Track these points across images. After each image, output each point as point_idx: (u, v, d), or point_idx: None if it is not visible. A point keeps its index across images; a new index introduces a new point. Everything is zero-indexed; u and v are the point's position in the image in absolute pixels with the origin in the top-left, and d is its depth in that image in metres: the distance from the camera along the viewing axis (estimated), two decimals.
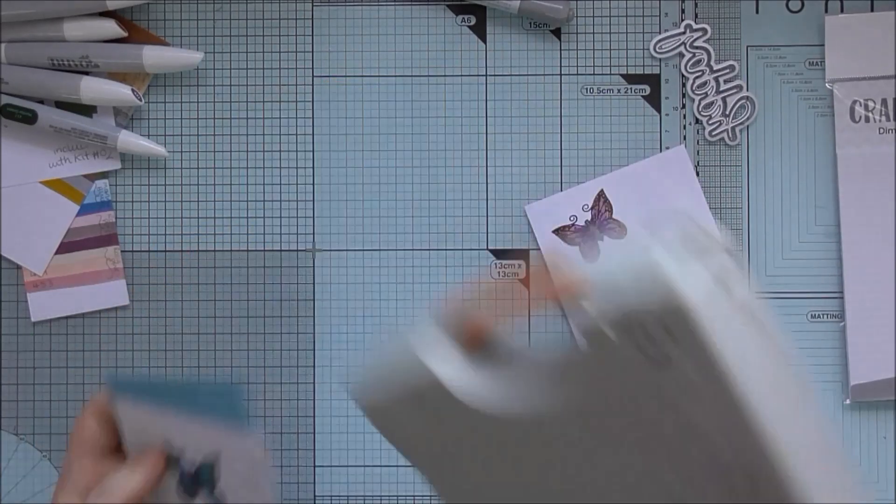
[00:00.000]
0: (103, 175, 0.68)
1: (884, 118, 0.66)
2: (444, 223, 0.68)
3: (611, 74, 0.68)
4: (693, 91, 0.67)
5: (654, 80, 0.68)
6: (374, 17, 0.68)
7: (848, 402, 0.67)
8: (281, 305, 0.68)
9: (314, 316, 0.68)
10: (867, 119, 0.66)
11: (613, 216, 0.67)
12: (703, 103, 0.67)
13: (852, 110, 0.66)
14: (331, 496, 0.68)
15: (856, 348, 0.66)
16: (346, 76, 0.68)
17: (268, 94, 0.68)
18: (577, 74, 0.68)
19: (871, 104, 0.66)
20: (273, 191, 0.68)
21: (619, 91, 0.68)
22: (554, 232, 0.68)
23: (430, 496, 0.68)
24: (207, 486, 0.54)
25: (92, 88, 0.65)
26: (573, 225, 0.68)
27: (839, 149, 0.67)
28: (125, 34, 0.66)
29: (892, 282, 0.66)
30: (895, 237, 0.66)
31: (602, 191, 0.68)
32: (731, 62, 0.67)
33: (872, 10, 0.67)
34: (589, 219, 0.68)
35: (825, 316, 0.67)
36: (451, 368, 0.44)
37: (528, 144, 0.68)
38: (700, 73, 0.67)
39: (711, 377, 0.38)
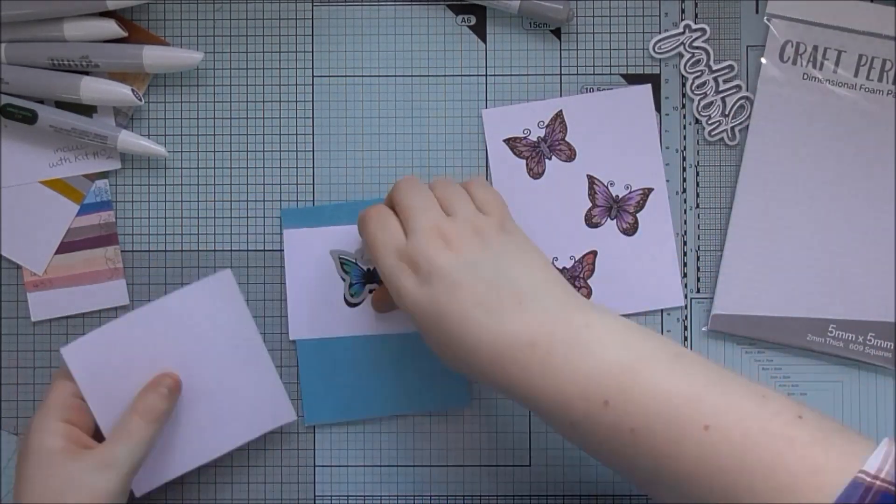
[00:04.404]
0: (103, 175, 0.68)
1: (811, 65, 0.66)
2: None
3: (611, 74, 0.68)
4: (692, 91, 0.68)
5: (653, 80, 0.68)
6: (374, 17, 0.68)
7: (705, 329, 0.67)
8: (280, 305, 0.68)
9: None
10: (795, 62, 0.66)
11: (566, 138, 0.67)
12: (702, 103, 0.68)
13: (783, 49, 0.66)
14: (331, 496, 0.68)
15: (726, 279, 0.67)
16: (346, 76, 0.68)
17: (268, 94, 0.68)
18: (577, 74, 0.68)
19: (802, 47, 0.66)
20: (273, 191, 0.68)
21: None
22: (505, 141, 0.68)
23: (430, 496, 0.68)
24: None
25: (92, 88, 0.65)
26: (525, 138, 0.67)
27: (760, 84, 0.67)
28: (125, 34, 0.66)
29: (775, 229, 0.67)
30: (790, 190, 0.67)
31: (561, 111, 0.68)
32: (730, 62, 0.67)
33: None
34: (542, 135, 0.67)
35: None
36: None
37: None
38: (699, 73, 0.67)
39: None
